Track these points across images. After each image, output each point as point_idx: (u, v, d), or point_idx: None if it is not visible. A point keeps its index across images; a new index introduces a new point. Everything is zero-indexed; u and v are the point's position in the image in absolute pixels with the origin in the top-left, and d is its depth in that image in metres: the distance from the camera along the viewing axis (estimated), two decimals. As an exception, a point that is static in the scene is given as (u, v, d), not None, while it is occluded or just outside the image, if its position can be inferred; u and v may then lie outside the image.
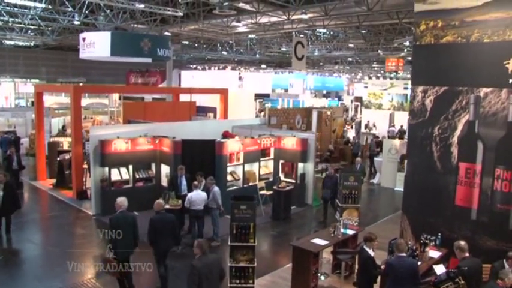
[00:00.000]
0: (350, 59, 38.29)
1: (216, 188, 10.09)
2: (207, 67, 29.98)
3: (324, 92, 45.86)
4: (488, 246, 7.33)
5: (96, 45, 14.57)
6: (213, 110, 21.62)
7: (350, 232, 7.94)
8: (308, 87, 36.20)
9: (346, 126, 27.04)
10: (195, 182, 10.10)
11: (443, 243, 7.36)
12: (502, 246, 7.17)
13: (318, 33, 28.69)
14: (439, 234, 7.36)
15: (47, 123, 18.83)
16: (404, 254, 5.78)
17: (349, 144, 21.47)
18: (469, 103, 7.49)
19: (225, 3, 19.01)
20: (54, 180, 14.95)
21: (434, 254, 7.04)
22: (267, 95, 38.58)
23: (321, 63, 43.47)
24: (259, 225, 11.49)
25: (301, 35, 26.80)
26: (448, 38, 7.63)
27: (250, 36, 27.27)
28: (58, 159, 14.90)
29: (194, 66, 30.09)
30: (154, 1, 19.03)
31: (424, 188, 8.11)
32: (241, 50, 33.45)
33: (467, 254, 5.83)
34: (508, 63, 7.06)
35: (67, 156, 14.57)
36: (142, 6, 18.61)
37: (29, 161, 17.33)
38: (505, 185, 7.22)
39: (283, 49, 32.82)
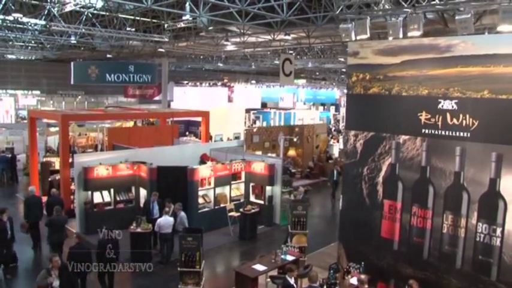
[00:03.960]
0: (344, 70, 39.41)
1: (182, 213, 11.24)
2: (198, 83, 31.15)
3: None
4: (407, 273, 8.37)
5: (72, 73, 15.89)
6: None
7: (289, 258, 9.01)
8: (299, 100, 37.28)
9: (333, 140, 27.98)
10: (166, 209, 11.20)
11: (367, 271, 8.42)
12: (418, 274, 8.25)
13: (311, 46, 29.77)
14: (362, 262, 8.40)
15: (42, 141, 20.07)
16: (315, 285, 6.86)
17: (330, 161, 22.49)
18: (391, 148, 8.58)
19: (210, 28, 20.23)
20: (45, 199, 16.10)
21: (356, 281, 8.10)
22: (264, 105, 39.80)
23: (317, 73, 44.63)
24: (226, 245, 12.76)
25: (291, 51, 27.92)
26: (374, 89, 8.72)
27: (241, 51, 28.43)
28: (49, 179, 16.08)
29: (186, 82, 31.27)
30: (144, 25, 20.29)
31: (356, 221, 9.19)
32: (238, 61, 34.65)
33: (366, 286, 6.89)
34: (421, 115, 8.15)
35: (57, 177, 15.74)
36: (132, 30, 19.91)
37: (23, 179, 18.53)
38: (419, 221, 8.30)
39: (276, 62, 33.97)
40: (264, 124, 33.79)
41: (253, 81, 36.59)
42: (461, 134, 7.71)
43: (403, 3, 7.52)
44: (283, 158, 15.85)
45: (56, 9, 16.30)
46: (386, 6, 7.58)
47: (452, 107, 7.78)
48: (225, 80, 35.72)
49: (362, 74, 8.86)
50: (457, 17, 6.57)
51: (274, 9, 14.85)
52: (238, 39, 22.12)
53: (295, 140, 19.96)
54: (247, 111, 33.52)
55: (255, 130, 20.13)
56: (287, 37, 20.81)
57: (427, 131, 8.10)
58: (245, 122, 32.25)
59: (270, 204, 14.03)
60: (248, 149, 20.58)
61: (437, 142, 8.00)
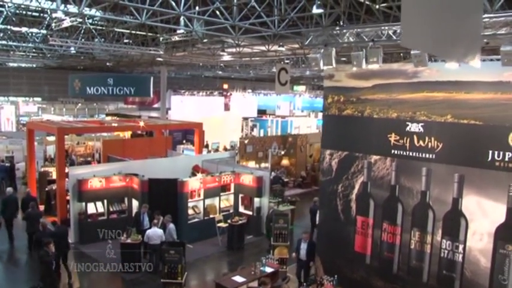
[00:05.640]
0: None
1: (171, 225, 11.71)
2: (195, 92, 31.75)
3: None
4: (379, 286, 8.85)
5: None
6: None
7: (268, 270, 9.47)
8: (296, 108, 37.83)
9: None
10: (155, 220, 11.71)
11: (342, 283, 8.88)
12: (388, 287, 8.73)
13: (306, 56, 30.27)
14: (336, 275, 8.85)
15: (40, 150, 20.63)
16: (286, 298, 7.33)
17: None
18: (363, 167, 9.06)
19: (205, 40, 20.80)
20: (43, 207, 16.66)
21: (328, 293, 8.58)
22: (264, 111, 40.31)
23: (315, 80, 45.16)
24: (215, 255, 13.25)
25: (287, 61, 28.45)
26: (348, 111, 9.20)
27: (238, 61, 28.99)
28: (46, 189, 16.62)
29: (183, 91, 31.92)
30: (142, 37, 20.88)
31: (332, 235, 9.67)
32: (237, 68, 35.23)
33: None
34: (391, 137, 8.63)
35: (54, 187, 16.27)
36: (130, 41, 20.50)
37: (21, 189, 19.07)
38: (389, 237, 8.77)
39: (274, 70, 34.47)
40: (262, 132, 34.27)
41: (249, 90, 37.19)
42: (427, 155, 8.18)
43: (364, 38, 8.03)
44: (271, 169, 16.29)
45: (53, 24, 16.89)
46: (351, 39, 8.09)
47: (419, 129, 8.26)
48: (225, 87, 36.29)
49: (337, 96, 9.35)
50: (412, 52, 7.02)
51: (266, 22, 15.33)
52: (234, 50, 22.67)
53: (282, 153, 20.41)
54: (245, 119, 34.02)
55: (246, 142, 20.52)
56: (281, 48, 21.34)
57: (396, 152, 8.57)
58: (242, 129, 32.77)
59: (258, 215, 14.49)
60: (242, 158, 21.12)
61: (405, 162, 8.47)
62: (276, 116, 35.69)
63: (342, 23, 13.26)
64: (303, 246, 10.11)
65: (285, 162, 22.85)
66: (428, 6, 3.01)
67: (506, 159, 7.31)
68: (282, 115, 35.75)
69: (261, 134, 33.28)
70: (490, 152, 7.46)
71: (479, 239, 7.68)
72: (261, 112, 39.27)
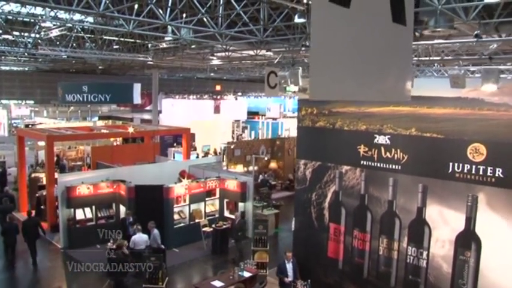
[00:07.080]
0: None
1: (155, 231, 12.11)
2: (186, 96, 32.13)
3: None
4: (350, 290, 9.29)
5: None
6: (192, 136, 23.87)
7: (246, 274, 9.89)
8: (287, 110, 38.28)
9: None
10: (139, 227, 12.11)
11: (314, 287, 9.31)
12: (359, 291, 9.16)
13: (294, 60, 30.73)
14: (309, 280, 9.28)
15: (31, 155, 20.95)
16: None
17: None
18: (335, 177, 9.49)
19: (193, 46, 21.17)
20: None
21: (300, 297, 9.01)
22: (256, 113, 40.66)
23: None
24: (199, 259, 13.65)
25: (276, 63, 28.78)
26: (321, 123, 9.63)
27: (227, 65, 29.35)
28: (36, 195, 16.96)
29: (174, 94, 32.33)
30: (131, 43, 21.22)
31: (307, 241, 10.11)
32: (229, 69, 35.59)
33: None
34: (360, 148, 9.06)
35: (44, 193, 16.62)
36: (119, 47, 20.82)
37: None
38: (360, 243, 9.21)
39: (264, 72, 34.80)
40: (253, 133, 34.67)
41: (240, 93, 37.64)
42: (394, 166, 8.62)
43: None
44: (259, 172, 16.70)
45: (42, 33, 17.22)
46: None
47: (386, 142, 8.70)
48: (218, 88, 36.64)
49: (310, 108, 9.78)
50: (449, 72, 7.37)
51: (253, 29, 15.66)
52: (223, 54, 23.02)
53: (266, 158, 20.83)
54: (236, 121, 34.43)
55: (232, 147, 20.92)
56: (269, 53, 21.66)
57: (365, 163, 9.01)
58: (233, 131, 33.15)
59: (242, 219, 14.87)
60: (230, 162, 21.49)
61: (373, 173, 8.91)
62: (267, 118, 36.10)
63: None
64: (289, 267, 9.56)
65: (273, 165, 23.27)
66: (344, 47, 2.77)
67: (465, 171, 7.76)
68: (272, 117, 36.14)
69: (252, 136, 33.67)
70: (451, 164, 7.90)
71: (441, 246, 8.12)
72: (253, 114, 39.69)
